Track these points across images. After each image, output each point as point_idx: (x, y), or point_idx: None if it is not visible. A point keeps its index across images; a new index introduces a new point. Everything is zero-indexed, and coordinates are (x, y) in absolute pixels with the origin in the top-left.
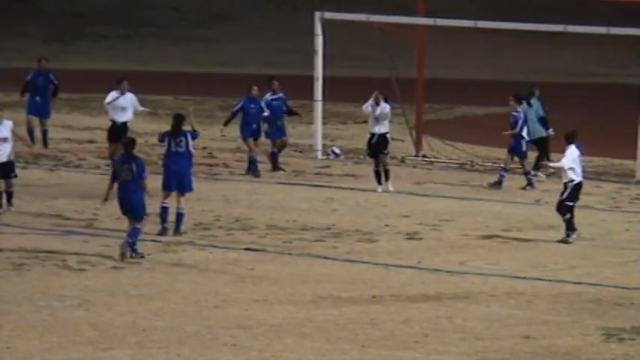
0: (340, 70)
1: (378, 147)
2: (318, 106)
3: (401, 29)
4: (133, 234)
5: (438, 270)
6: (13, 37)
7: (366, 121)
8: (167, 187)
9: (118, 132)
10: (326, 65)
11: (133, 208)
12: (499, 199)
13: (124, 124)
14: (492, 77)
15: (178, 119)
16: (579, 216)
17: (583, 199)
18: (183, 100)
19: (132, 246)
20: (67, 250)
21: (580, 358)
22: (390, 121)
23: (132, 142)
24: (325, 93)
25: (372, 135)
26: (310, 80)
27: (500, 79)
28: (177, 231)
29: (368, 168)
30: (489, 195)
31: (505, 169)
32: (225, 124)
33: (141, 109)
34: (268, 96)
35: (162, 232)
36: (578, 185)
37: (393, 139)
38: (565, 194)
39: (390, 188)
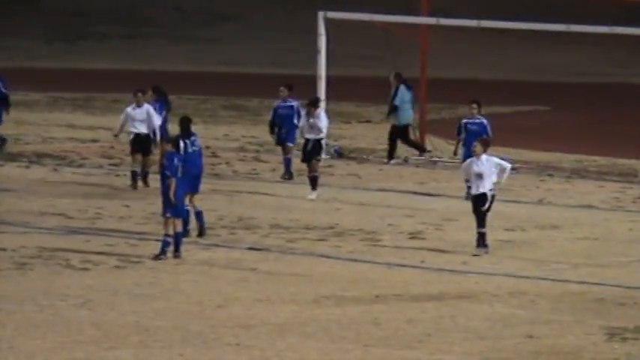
0: (343, 69)
1: (311, 153)
2: (322, 106)
3: (404, 29)
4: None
5: (441, 269)
6: (17, 36)
7: (369, 121)
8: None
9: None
10: (329, 65)
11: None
12: (502, 199)
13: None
14: (495, 77)
15: (187, 121)
16: (582, 215)
17: (586, 198)
18: (187, 99)
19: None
20: (70, 249)
21: (583, 358)
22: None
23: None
24: (328, 92)
25: (307, 141)
26: (313, 80)
27: (503, 79)
28: (203, 231)
29: (371, 167)
30: None
31: None
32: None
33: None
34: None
35: (185, 234)
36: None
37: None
38: (488, 204)
39: (313, 197)
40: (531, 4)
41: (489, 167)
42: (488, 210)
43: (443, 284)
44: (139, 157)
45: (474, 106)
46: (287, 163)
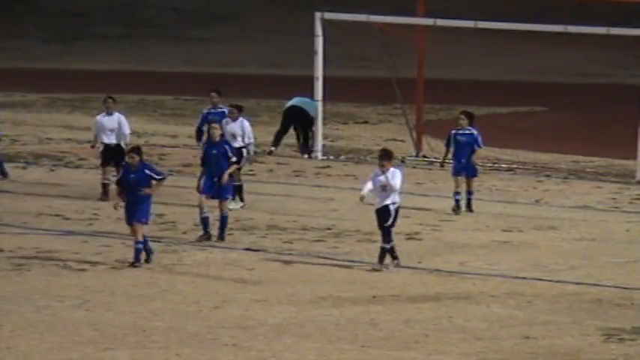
0: (340, 70)
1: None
2: (319, 106)
3: (401, 29)
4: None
5: (438, 270)
6: (14, 37)
7: (366, 122)
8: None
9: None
10: (326, 65)
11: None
12: (500, 200)
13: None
14: (492, 77)
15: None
16: (580, 216)
17: (583, 199)
18: (184, 100)
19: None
20: (68, 250)
21: (580, 359)
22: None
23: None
24: (325, 93)
25: None
26: (310, 80)
27: (500, 80)
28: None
29: (368, 168)
30: (490, 195)
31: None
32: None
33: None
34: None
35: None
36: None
37: (394, 139)
38: (391, 220)
39: (233, 206)
40: (528, 4)
41: (394, 180)
42: (392, 225)
43: (440, 285)
44: (110, 169)
45: (462, 116)
46: None
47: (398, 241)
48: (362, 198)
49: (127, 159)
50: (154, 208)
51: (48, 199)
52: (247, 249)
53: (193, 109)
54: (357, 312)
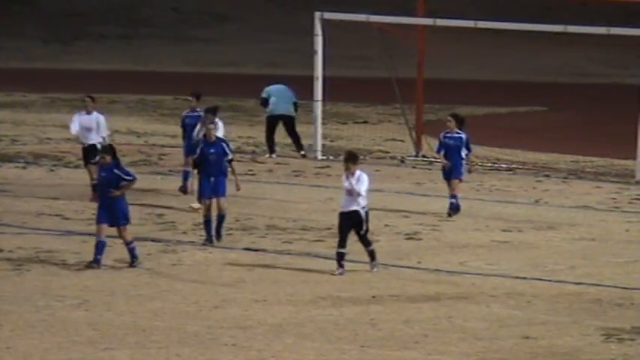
0: (340, 70)
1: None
2: (318, 106)
3: (401, 29)
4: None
5: (437, 270)
6: (14, 37)
7: (366, 122)
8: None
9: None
10: (326, 65)
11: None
12: (499, 200)
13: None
14: (492, 77)
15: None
16: (579, 216)
17: (583, 199)
18: (183, 100)
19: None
20: (67, 250)
21: (580, 359)
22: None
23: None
24: (325, 93)
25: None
26: (310, 80)
27: (500, 80)
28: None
29: (368, 168)
30: (489, 195)
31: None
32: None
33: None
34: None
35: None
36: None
37: (394, 139)
38: (366, 224)
39: (197, 205)
40: (528, 4)
41: (360, 184)
42: (366, 230)
43: (439, 285)
44: (94, 168)
45: (450, 118)
46: (184, 175)
47: (397, 241)
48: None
49: (98, 158)
50: (154, 209)
51: (48, 199)
52: (247, 249)
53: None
54: (356, 312)
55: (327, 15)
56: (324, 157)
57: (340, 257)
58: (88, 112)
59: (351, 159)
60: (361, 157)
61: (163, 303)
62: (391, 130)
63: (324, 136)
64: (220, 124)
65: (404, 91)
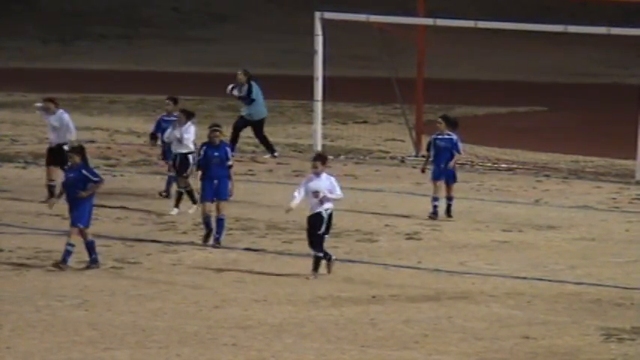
0: (340, 70)
1: (179, 168)
2: (318, 106)
3: (401, 29)
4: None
5: (437, 270)
6: (14, 37)
7: (366, 121)
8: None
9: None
10: (326, 65)
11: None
12: (499, 200)
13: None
14: (492, 77)
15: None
16: (579, 216)
17: (583, 199)
18: (184, 99)
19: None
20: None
21: (580, 359)
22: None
23: None
24: (325, 93)
25: (176, 156)
26: (310, 80)
27: (500, 79)
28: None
29: (368, 168)
30: (489, 195)
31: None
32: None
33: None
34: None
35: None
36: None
37: (394, 139)
38: (324, 227)
39: (173, 213)
40: (528, 4)
41: (327, 186)
42: (326, 232)
43: (440, 285)
44: (54, 169)
45: (440, 120)
46: (169, 180)
47: (397, 241)
48: (288, 210)
49: (68, 158)
50: (155, 208)
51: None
52: (247, 249)
53: (193, 109)
54: (356, 312)
55: (327, 15)
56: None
57: (319, 260)
58: (53, 113)
59: (320, 159)
60: (362, 157)
61: (163, 303)
62: (391, 130)
63: (324, 136)
64: (192, 128)
65: (404, 91)
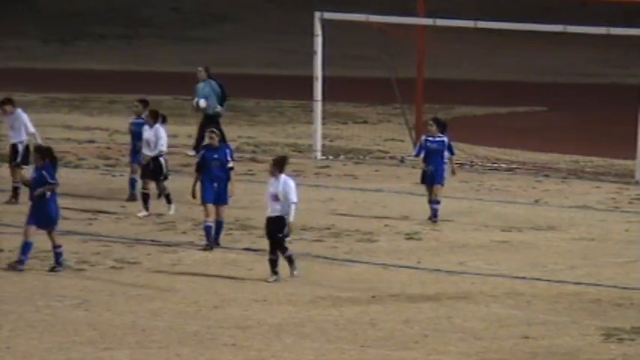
0: (340, 70)
1: (154, 173)
2: (318, 106)
3: (400, 29)
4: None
5: (437, 270)
6: (13, 36)
7: (366, 121)
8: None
9: None
10: (325, 65)
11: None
12: (499, 200)
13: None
14: (492, 77)
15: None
16: (579, 216)
17: (583, 199)
18: (183, 100)
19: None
20: (67, 250)
21: (579, 359)
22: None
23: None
24: (325, 93)
25: (148, 163)
26: (310, 80)
27: (499, 80)
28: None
29: (368, 168)
30: (489, 195)
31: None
32: None
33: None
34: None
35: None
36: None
37: (393, 139)
38: (286, 229)
39: (171, 212)
40: (528, 4)
41: (284, 189)
42: (287, 235)
43: (439, 285)
44: (16, 170)
45: (431, 122)
46: (131, 183)
47: (397, 241)
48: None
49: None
50: (155, 208)
51: None
52: (246, 249)
53: (192, 109)
54: (356, 312)
55: (327, 15)
56: (324, 157)
57: (273, 264)
58: (11, 113)
59: (279, 163)
60: (361, 156)
61: (163, 303)
62: (391, 130)
63: (324, 136)
64: (162, 131)
65: (404, 91)
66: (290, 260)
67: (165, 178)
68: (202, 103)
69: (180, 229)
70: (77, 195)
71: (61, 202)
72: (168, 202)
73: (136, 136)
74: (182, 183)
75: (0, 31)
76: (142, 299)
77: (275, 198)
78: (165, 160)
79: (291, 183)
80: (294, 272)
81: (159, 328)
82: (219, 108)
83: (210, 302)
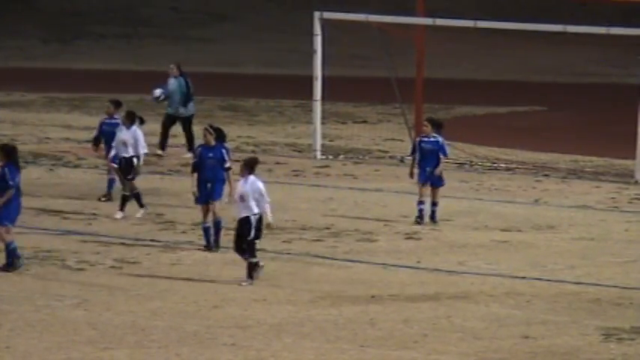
0: (339, 69)
1: (124, 172)
2: (317, 106)
3: (400, 29)
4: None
5: (437, 270)
6: (13, 36)
7: (365, 121)
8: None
9: None
10: (325, 65)
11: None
12: (499, 199)
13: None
14: (492, 77)
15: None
16: (579, 216)
17: (582, 199)
18: None
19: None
20: (67, 249)
21: (579, 358)
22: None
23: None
24: (324, 93)
25: (120, 160)
26: (309, 80)
27: (499, 79)
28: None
29: (367, 168)
30: (489, 195)
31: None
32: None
33: None
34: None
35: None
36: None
37: (393, 139)
38: (253, 232)
39: (138, 215)
40: (528, 4)
41: (253, 190)
42: (256, 237)
43: (439, 284)
44: None
45: (426, 123)
46: (110, 183)
47: (396, 241)
48: (269, 225)
49: None
50: (154, 208)
51: (47, 199)
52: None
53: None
54: (356, 312)
55: (327, 15)
56: (324, 157)
57: (251, 267)
58: None
59: (249, 164)
60: (361, 156)
61: (163, 302)
62: (390, 130)
63: (324, 136)
64: (139, 132)
65: (403, 90)
66: (250, 268)
67: (133, 178)
68: (157, 92)
69: (180, 228)
70: (77, 195)
71: (61, 201)
72: (139, 204)
73: (111, 135)
74: (181, 183)
75: (0, 31)
76: (141, 299)
77: (242, 199)
78: (138, 161)
79: (259, 183)
80: (244, 283)
81: (158, 328)
82: (182, 110)
83: (209, 302)
